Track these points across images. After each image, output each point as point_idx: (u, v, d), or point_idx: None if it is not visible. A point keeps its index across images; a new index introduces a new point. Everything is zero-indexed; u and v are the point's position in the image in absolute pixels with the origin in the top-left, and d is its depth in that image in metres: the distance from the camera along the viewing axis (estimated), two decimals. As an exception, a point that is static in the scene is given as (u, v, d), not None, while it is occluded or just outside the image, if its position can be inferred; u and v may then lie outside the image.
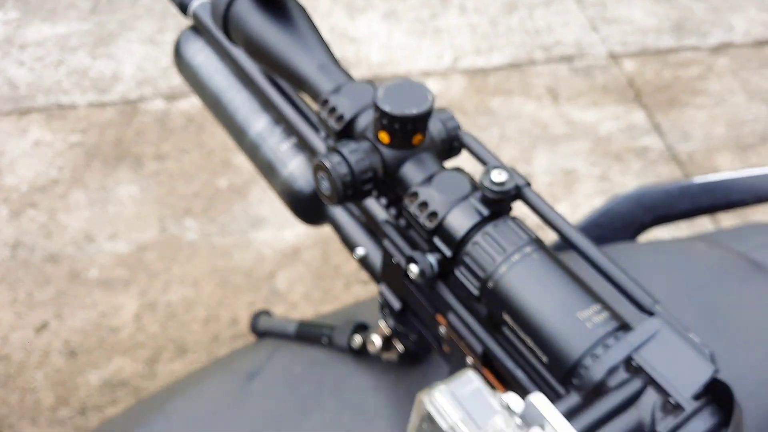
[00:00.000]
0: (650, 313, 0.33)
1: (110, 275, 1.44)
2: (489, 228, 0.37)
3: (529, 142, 1.84)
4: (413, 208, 0.40)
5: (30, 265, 1.46)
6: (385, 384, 0.56)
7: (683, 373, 0.31)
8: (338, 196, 0.42)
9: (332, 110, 0.44)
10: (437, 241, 0.39)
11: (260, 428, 0.53)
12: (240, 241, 1.52)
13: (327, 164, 0.41)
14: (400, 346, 0.55)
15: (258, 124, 0.61)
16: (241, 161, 1.72)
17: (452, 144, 0.44)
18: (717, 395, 0.31)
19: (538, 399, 0.30)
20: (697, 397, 0.30)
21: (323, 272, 1.47)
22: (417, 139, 0.41)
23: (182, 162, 1.71)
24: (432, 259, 0.40)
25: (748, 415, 0.33)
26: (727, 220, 1.67)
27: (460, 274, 0.38)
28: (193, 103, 1.90)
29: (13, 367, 1.30)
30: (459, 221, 0.38)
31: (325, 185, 0.43)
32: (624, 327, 0.34)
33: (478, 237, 0.37)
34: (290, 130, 0.57)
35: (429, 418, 0.31)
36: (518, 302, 0.35)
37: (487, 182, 0.37)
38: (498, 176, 0.38)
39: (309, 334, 0.61)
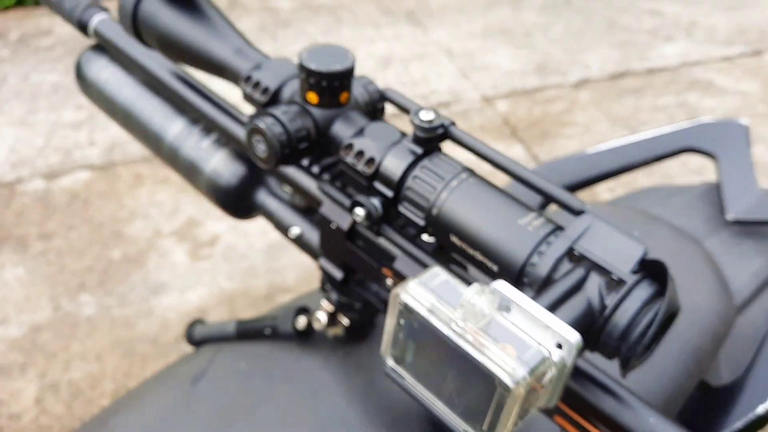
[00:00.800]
0: (581, 212, 0.36)
1: (4, 361, 1.32)
2: (425, 162, 0.40)
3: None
4: (350, 159, 0.41)
5: None
6: (334, 361, 0.56)
7: (619, 255, 0.34)
8: (276, 157, 0.43)
9: (256, 84, 0.45)
10: (377, 185, 0.41)
11: (212, 425, 0.51)
12: (142, 310, 1.45)
13: (262, 125, 0.42)
14: (345, 320, 0.55)
15: (174, 127, 0.60)
16: (134, 231, 1.66)
17: (375, 106, 0.46)
18: (652, 271, 0.33)
19: (500, 284, 0.32)
20: (634, 272, 0.33)
21: (234, 329, 1.42)
22: (344, 97, 0.43)
23: (70, 238, 1.63)
24: (375, 201, 0.41)
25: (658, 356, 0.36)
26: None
27: (404, 209, 0.40)
28: (76, 178, 1.82)
29: None
30: (396, 162, 0.40)
31: (261, 148, 0.43)
32: (559, 228, 0.36)
33: (417, 171, 0.39)
34: (209, 126, 0.57)
35: (406, 309, 0.32)
36: (463, 221, 0.37)
37: (417, 121, 0.40)
38: (426, 115, 0.40)
39: (250, 330, 0.60)
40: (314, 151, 0.45)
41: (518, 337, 0.31)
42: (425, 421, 0.51)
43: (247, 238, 1.69)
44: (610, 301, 0.33)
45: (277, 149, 0.42)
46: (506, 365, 0.30)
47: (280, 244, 1.68)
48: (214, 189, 0.59)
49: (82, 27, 0.64)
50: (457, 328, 0.31)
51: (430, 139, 0.40)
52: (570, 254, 0.35)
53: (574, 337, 0.30)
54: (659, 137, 0.79)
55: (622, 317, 0.33)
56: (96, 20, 0.63)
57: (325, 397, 0.51)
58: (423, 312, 0.32)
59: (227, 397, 0.53)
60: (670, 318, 0.34)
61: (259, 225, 1.72)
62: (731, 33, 2.61)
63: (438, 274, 0.33)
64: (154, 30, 0.51)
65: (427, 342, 0.33)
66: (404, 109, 0.44)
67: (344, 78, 0.43)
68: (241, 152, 0.58)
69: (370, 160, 0.41)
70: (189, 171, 0.60)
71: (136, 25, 0.52)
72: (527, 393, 0.30)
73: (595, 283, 0.34)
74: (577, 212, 0.37)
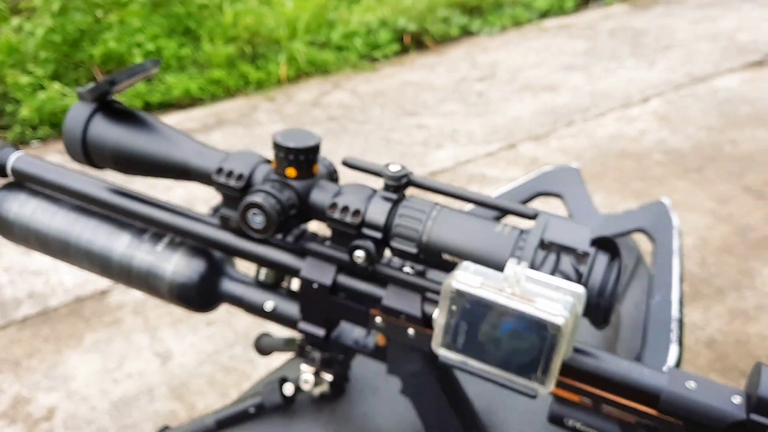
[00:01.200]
0: (536, 215, 0.47)
1: None
2: (404, 203, 0.48)
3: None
4: (337, 215, 0.48)
5: None
6: (324, 420, 0.59)
7: (576, 237, 0.45)
8: (273, 226, 0.48)
9: (229, 174, 0.51)
10: (366, 230, 0.48)
11: None
12: None
13: (258, 200, 0.48)
14: (328, 376, 0.59)
15: (121, 241, 0.61)
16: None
17: (332, 176, 0.54)
18: (603, 246, 0.45)
19: (513, 265, 0.40)
20: (591, 246, 0.45)
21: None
22: (315, 168, 0.51)
23: None
24: (369, 243, 0.48)
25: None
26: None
27: (397, 244, 0.47)
28: None
29: None
30: (379, 209, 0.48)
31: (258, 220, 0.49)
32: (524, 231, 0.46)
33: (401, 211, 0.48)
34: (160, 232, 0.59)
35: (458, 294, 0.39)
36: (451, 240, 0.46)
37: (389, 173, 0.48)
38: (394, 167, 0.49)
39: (232, 416, 0.59)
40: (300, 218, 0.51)
41: (547, 295, 0.39)
42: None
43: (88, 402, 1.56)
44: (584, 269, 0.43)
45: (275, 218, 0.49)
46: (554, 311, 0.38)
47: (126, 397, 1.56)
48: (177, 289, 0.61)
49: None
50: (508, 295, 0.39)
51: (399, 187, 0.49)
52: (542, 244, 0.45)
53: (580, 289, 0.40)
54: (517, 188, 0.95)
55: (596, 278, 0.43)
56: (13, 158, 0.64)
57: None
58: (475, 290, 0.39)
59: None
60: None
61: (97, 387, 1.60)
62: (486, 134, 3.08)
63: (470, 265, 0.41)
64: (108, 149, 0.55)
65: (479, 317, 0.40)
66: (367, 171, 0.52)
67: (315, 152, 0.51)
68: (196, 248, 0.61)
69: (356, 212, 0.49)
70: (146, 280, 0.61)
71: (86, 149, 0.55)
72: (570, 331, 0.38)
73: (567, 261, 0.44)
74: (532, 217, 0.47)
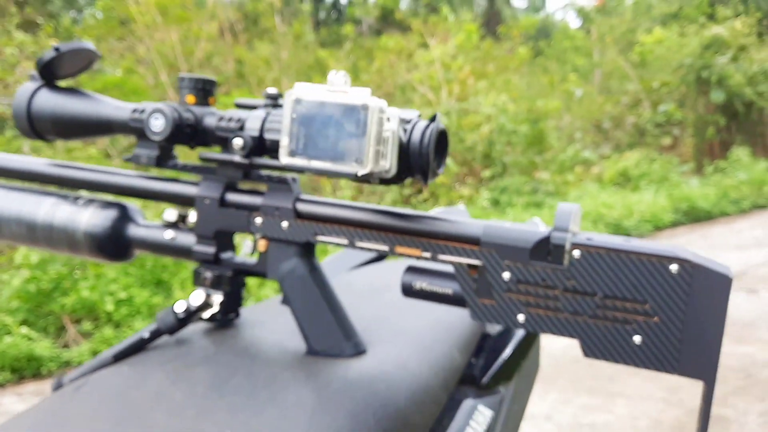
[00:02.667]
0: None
1: None
2: (272, 113, 0.63)
3: None
4: (223, 124, 0.64)
5: None
6: (213, 342, 0.65)
7: (411, 114, 0.57)
8: (170, 127, 0.62)
9: (142, 111, 0.65)
10: (246, 131, 0.62)
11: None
12: None
13: (164, 108, 0.62)
14: (219, 297, 0.68)
15: (43, 206, 0.71)
16: None
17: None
18: (429, 119, 0.57)
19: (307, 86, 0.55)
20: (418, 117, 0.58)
21: None
22: (212, 101, 0.67)
23: None
24: (246, 135, 0.62)
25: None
26: None
27: (270, 135, 0.62)
28: None
29: None
30: (255, 116, 0.63)
31: (158, 124, 0.63)
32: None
33: (270, 118, 0.63)
34: (77, 191, 0.70)
35: (296, 102, 0.54)
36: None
37: (265, 93, 0.65)
38: (271, 90, 0.64)
39: (129, 346, 0.64)
40: (194, 137, 0.66)
41: (361, 91, 0.53)
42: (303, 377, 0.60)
43: None
44: (407, 133, 0.56)
45: (171, 120, 0.63)
46: (363, 96, 0.53)
47: None
48: (91, 239, 0.69)
49: None
50: (332, 93, 0.53)
51: (275, 104, 0.64)
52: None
53: (376, 101, 0.53)
54: None
55: (416, 138, 0.56)
56: None
57: (228, 376, 0.59)
58: (308, 96, 0.54)
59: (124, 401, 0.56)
60: (443, 138, 0.58)
61: None
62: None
63: (301, 85, 0.55)
64: (46, 117, 0.69)
65: (312, 118, 0.54)
66: (251, 106, 0.66)
67: (211, 85, 0.67)
68: (108, 202, 0.71)
69: (238, 120, 0.64)
70: (65, 237, 0.70)
71: (30, 119, 0.70)
72: (378, 114, 0.52)
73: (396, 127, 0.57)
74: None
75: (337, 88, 0.54)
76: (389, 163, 0.55)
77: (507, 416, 0.75)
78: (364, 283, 0.87)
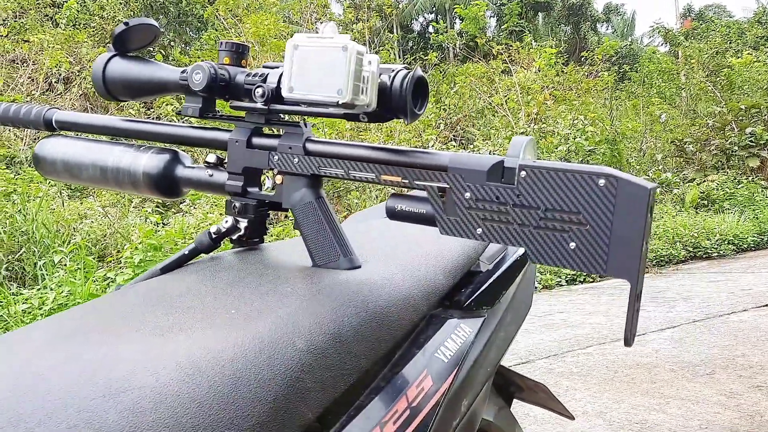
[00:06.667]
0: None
1: None
2: None
3: None
4: (249, 79, 0.79)
5: None
6: (239, 258, 0.80)
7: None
8: (208, 83, 0.78)
9: (186, 71, 0.82)
10: (267, 84, 0.78)
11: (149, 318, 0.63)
12: None
13: (203, 65, 0.79)
14: (243, 223, 0.82)
15: (113, 154, 0.87)
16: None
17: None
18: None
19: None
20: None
21: None
22: (244, 62, 0.84)
23: None
24: (266, 86, 0.78)
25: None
26: None
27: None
28: None
29: None
30: (275, 72, 0.78)
31: (198, 78, 0.78)
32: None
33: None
34: (141, 140, 0.88)
35: (293, 46, 0.72)
36: None
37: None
38: None
39: (173, 261, 0.83)
40: (227, 91, 0.81)
41: (343, 37, 0.70)
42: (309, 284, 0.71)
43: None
44: (390, 78, 0.70)
45: (209, 75, 0.78)
46: (344, 40, 0.68)
47: None
48: (148, 178, 0.84)
49: (48, 125, 0.93)
50: (321, 39, 0.69)
51: None
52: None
53: (355, 45, 0.69)
54: None
55: (396, 82, 0.70)
56: (56, 114, 0.94)
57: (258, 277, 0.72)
58: (303, 42, 0.71)
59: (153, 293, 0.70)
60: (423, 85, 0.71)
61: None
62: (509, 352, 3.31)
63: (299, 35, 0.76)
64: (118, 80, 0.84)
65: (306, 59, 0.70)
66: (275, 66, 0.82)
67: (245, 50, 0.83)
68: (162, 148, 0.86)
69: (262, 75, 0.79)
70: (128, 178, 0.85)
71: (105, 82, 0.85)
72: (356, 56, 0.68)
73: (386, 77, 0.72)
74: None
75: (325, 36, 0.69)
76: (369, 98, 0.68)
77: (489, 340, 0.83)
78: (376, 226, 1.00)
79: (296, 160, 0.77)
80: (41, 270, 3.79)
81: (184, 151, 0.89)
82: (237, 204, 0.82)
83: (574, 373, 2.98)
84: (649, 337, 3.51)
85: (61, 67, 7.01)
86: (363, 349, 0.64)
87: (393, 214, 0.73)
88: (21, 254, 3.92)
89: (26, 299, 3.40)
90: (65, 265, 3.71)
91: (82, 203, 4.76)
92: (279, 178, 0.79)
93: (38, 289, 3.59)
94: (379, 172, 0.72)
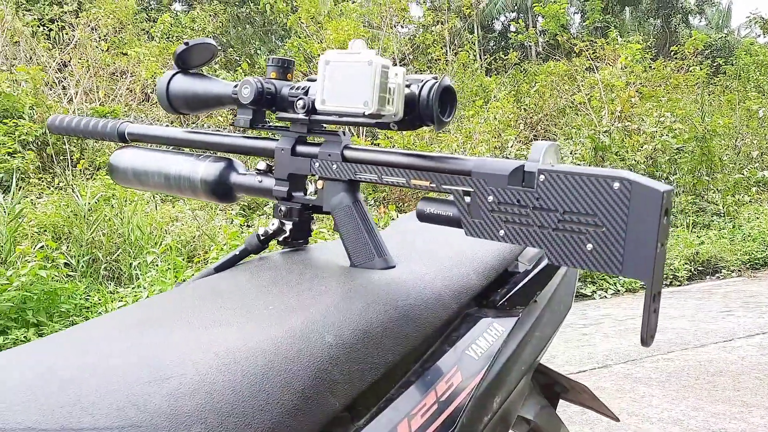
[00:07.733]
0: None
1: None
2: None
3: None
4: (293, 91, 0.85)
5: None
6: (284, 258, 0.87)
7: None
8: (255, 96, 0.84)
9: (238, 87, 0.89)
10: (309, 95, 0.84)
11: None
12: None
13: (250, 80, 0.86)
14: (288, 225, 0.88)
15: (176, 163, 0.95)
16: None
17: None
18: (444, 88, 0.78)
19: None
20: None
21: None
22: (290, 76, 0.89)
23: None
24: (307, 99, 0.84)
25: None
26: None
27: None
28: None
29: None
30: (314, 86, 0.84)
31: (246, 92, 0.85)
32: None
33: None
34: (200, 149, 0.95)
35: (325, 62, 0.78)
36: None
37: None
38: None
39: (225, 261, 0.90)
40: (274, 103, 0.87)
41: (370, 53, 0.76)
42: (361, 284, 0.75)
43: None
44: (418, 89, 0.76)
45: (255, 89, 0.84)
46: (370, 55, 0.74)
47: None
48: (206, 184, 0.90)
49: (122, 137, 1.02)
50: (350, 55, 0.74)
51: None
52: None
53: (380, 59, 0.74)
54: None
55: (424, 92, 0.74)
56: (128, 127, 1.02)
57: (292, 279, 0.78)
58: (334, 58, 0.76)
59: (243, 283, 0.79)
60: (451, 95, 0.75)
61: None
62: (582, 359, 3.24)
63: (330, 51, 0.81)
64: (180, 95, 0.92)
65: (337, 72, 0.75)
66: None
67: (290, 64, 0.89)
68: (218, 157, 0.93)
69: (304, 88, 0.85)
70: (189, 184, 0.92)
71: (169, 98, 0.93)
72: (381, 69, 0.73)
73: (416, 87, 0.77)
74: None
75: (354, 52, 0.74)
76: (396, 108, 0.72)
77: (524, 339, 0.85)
78: (413, 229, 1.03)
79: (335, 166, 0.82)
80: (135, 270, 4.04)
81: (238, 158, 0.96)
82: (283, 208, 0.88)
83: (653, 378, 2.90)
84: (736, 343, 3.36)
85: (156, 78, 7.44)
86: (391, 344, 0.68)
87: (422, 217, 0.77)
88: (117, 255, 4.19)
89: (122, 297, 3.65)
90: (157, 265, 3.94)
91: (174, 207, 5.03)
92: (320, 183, 0.85)
93: (132, 288, 3.83)
94: (410, 176, 0.76)
